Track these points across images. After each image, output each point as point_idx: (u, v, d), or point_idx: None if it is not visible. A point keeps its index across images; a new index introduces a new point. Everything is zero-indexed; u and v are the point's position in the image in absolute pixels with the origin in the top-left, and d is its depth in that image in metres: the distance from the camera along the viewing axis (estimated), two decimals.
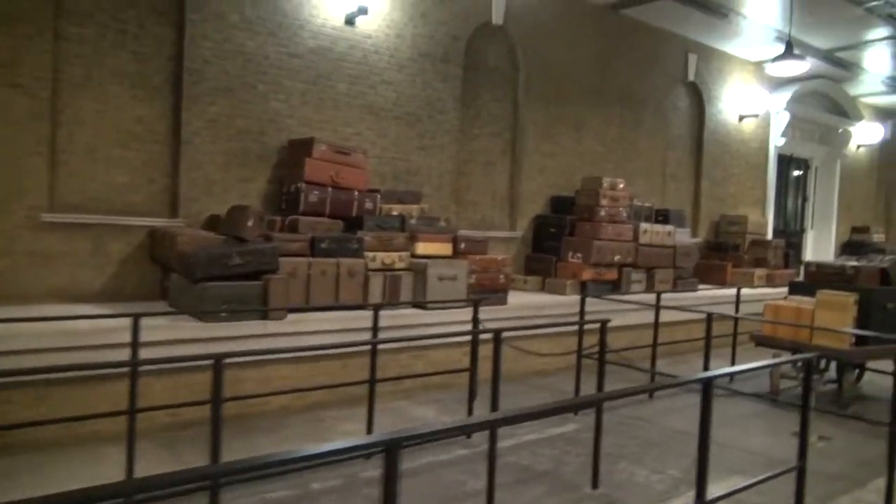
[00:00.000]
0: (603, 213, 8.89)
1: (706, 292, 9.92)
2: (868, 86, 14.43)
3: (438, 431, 2.03)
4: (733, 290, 10.03)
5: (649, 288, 9.33)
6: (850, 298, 6.39)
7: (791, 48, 8.47)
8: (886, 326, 6.50)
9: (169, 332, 5.03)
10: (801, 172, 14.98)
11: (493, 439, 3.62)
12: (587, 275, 8.57)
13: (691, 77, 11.40)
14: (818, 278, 7.14)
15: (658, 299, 6.93)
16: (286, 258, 5.79)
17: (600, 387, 4.40)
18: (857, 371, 7.70)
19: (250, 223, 5.65)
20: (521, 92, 9.03)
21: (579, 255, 8.65)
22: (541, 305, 7.64)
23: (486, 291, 7.03)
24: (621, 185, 9.19)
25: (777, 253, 11.80)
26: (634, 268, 9.14)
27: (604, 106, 10.09)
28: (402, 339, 4.64)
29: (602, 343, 4.25)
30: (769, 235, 13.36)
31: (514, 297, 8.04)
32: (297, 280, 5.83)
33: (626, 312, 8.67)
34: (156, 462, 4.37)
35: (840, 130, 14.87)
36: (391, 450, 1.73)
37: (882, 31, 10.88)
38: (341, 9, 7.15)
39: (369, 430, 4.71)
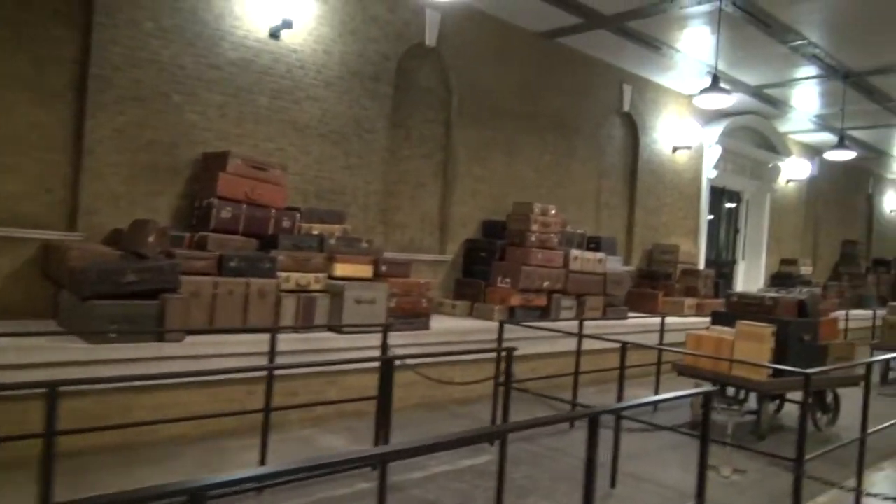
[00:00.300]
0: (533, 238, 8.81)
1: (636, 320, 9.95)
2: (797, 123, 14.93)
3: (280, 472, 1.80)
4: (662, 319, 10.12)
5: (579, 315, 9.27)
6: (767, 330, 6.40)
7: (717, 81, 8.62)
8: (803, 358, 6.55)
9: (51, 353, 4.65)
10: (733, 205, 15.33)
11: (382, 476, 3.39)
12: (516, 300, 8.45)
13: (626, 107, 11.54)
14: (739, 309, 7.18)
15: (580, 326, 6.83)
16: (190, 277, 5.47)
17: (505, 417, 4.22)
18: (777, 402, 7.76)
19: (151, 238, 5.32)
20: (454, 114, 8.94)
21: (508, 280, 8.53)
22: (465, 331, 7.47)
23: (408, 316, 6.82)
24: (553, 211, 9.15)
25: (707, 282, 11.95)
26: (564, 294, 9.07)
27: (537, 132, 10.09)
28: (297, 365, 4.37)
29: (508, 373, 4.08)
30: (701, 265, 13.57)
31: (442, 322, 7.86)
32: (202, 300, 5.51)
33: (555, 339, 8.59)
34: None
35: (770, 165, 15.32)
36: (196, 497, 1.50)
37: (807, 71, 11.24)
38: (265, 21, 6.93)
39: (263, 461, 4.42)
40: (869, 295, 17.67)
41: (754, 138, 14.86)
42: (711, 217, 14.58)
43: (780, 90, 12.53)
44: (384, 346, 5.04)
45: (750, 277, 15.59)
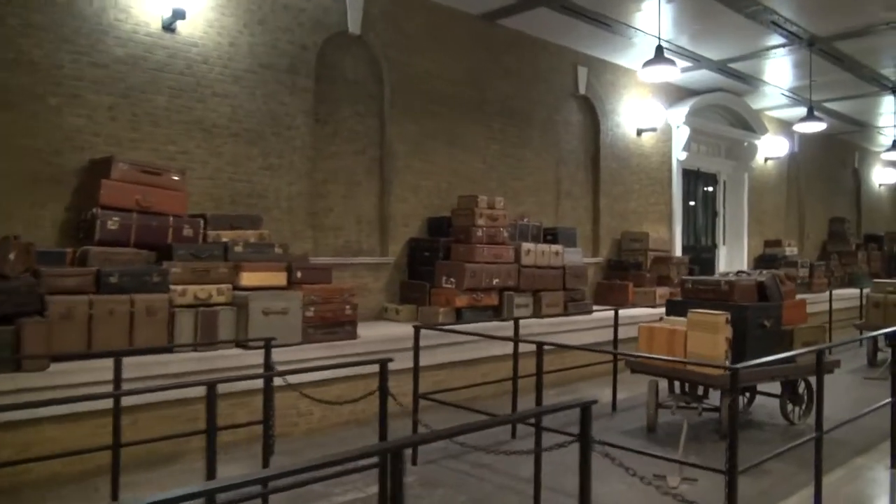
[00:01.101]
0: (480, 233, 8.22)
1: (604, 314, 9.33)
2: (771, 99, 14.33)
3: None
4: (634, 311, 9.52)
5: (536, 312, 8.68)
6: (720, 318, 5.80)
7: (661, 52, 8.02)
8: (762, 346, 5.95)
9: None
10: (710, 187, 14.72)
11: None
12: (461, 301, 7.85)
13: (582, 90, 10.95)
14: (695, 296, 6.57)
15: (516, 325, 6.22)
16: (60, 297, 4.88)
17: (383, 435, 3.63)
18: (747, 395, 7.15)
19: (11, 257, 4.74)
20: (388, 106, 8.35)
21: (453, 280, 7.93)
22: (399, 338, 6.85)
23: (330, 325, 6.23)
24: (500, 204, 8.56)
25: (681, 270, 11.34)
26: (518, 291, 8.47)
27: (484, 121, 9.50)
28: (144, 390, 3.77)
29: (382, 387, 3.48)
30: (677, 252, 12.97)
31: (379, 329, 7.28)
32: (75, 322, 4.92)
33: (492, 343, 7.98)
34: None
35: (745, 144, 14.70)
36: None
37: (770, 40, 10.64)
38: (155, 13, 6.35)
39: (115, 497, 3.83)
40: (860, 273, 17.04)
41: (727, 117, 14.26)
42: (692, 203, 13.99)
43: (746, 64, 11.92)
44: (267, 364, 4.44)
45: (732, 261, 14.96)
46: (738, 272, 6.73)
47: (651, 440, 6.04)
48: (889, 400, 5.40)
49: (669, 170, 12.87)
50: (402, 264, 8.52)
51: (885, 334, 6.33)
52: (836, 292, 14.40)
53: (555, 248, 9.02)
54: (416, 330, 5.22)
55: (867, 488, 5.07)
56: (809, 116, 11.05)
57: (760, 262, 15.21)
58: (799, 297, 6.97)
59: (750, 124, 14.46)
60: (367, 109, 8.26)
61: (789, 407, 6.64)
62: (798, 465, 5.43)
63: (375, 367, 4.13)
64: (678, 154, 12.88)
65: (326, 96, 7.83)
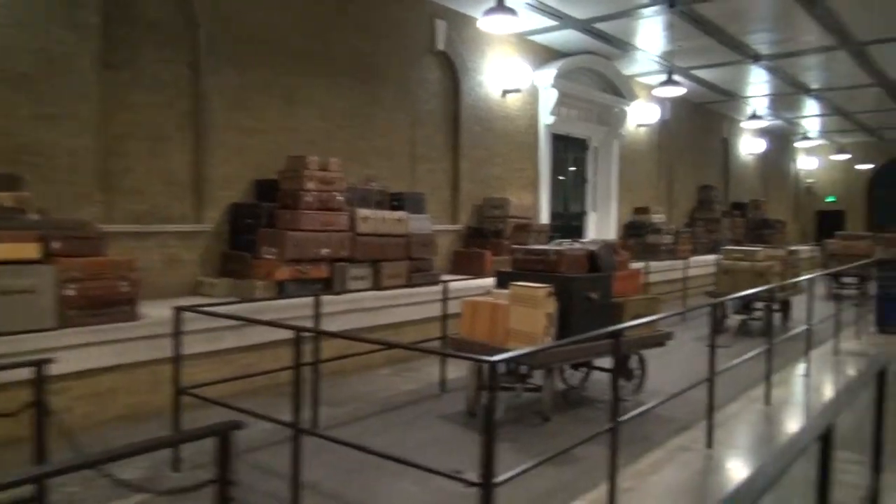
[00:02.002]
0: (309, 198, 7.43)
1: (457, 284, 8.81)
2: (642, 65, 14.18)
3: None
4: (490, 281, 9.05)
5: (376, 284, 8.04)
6: (540, 292, 5.33)
7: (502, 2, 7.43)
8: (591, 320, 5.54)
9: None
10: (579, 153, 14.50)
11: None
12: (283, 273, 7.08)
13: (440, 46, 10.25)
14: (524, 267, 6.09)
15: (317, 302, 5.50)
16: None
17: (40, 457, 2.85)
18: (585, 371, 6.82)
19: None
20: (204, 54, 7.34)
21: (274, 249, 7.13)
22: (198, 316, 6.00)
23: (99, 305, 5.30)
24: (335, 166, 7.78)
25: (542, 237, 11.00)
26: (353, 262, 7.78)
27: (327, 76, 8.64)
28: None
29: (38, 399, 2.69)
30: (544, 219, 12.67)
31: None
32: None
33: (347, 314, 7.33)
34: None
35: (616, 110, 14.54)
36: None
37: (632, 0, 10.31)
38: None
39: None
40: (724, 239, 17.51)
41: (597, 82, 14.00)
42: (562, 170, 13.70)
43: (613, 25, 11.60)
44: None
45: (602, 228, 14.90)
46: (573, 241, 6.30)
47: (469, 426, 5.55)
48: (706, 378, 5.12)
49: (536, 134, 12.47)
50: (223, 233, 7.63)
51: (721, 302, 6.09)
52: (698, 259, 14.67)
53: (397, 214, 8.37)
54: (177, 312, 4.40)
55: (680, 472, 4.77)
56: (669, 81, 10.86)
57: (629, 229, 15.27)
58: (634, 265, 6.65)
59: (620, 90, 14.29)
60: (177, 56, 7.22)
61: (622, 382, 6.33)
62: (625, 445, 5.08)
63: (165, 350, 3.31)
64: (546, 118, 12.49)
65: (120, 38, 6.72)
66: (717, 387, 6.72)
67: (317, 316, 5.38)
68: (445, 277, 9.57)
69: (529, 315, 5.33)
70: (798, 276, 10.48)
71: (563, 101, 13.20)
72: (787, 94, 17.47)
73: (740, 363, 5.93)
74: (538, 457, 3.56)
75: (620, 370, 6.26)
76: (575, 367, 6.68)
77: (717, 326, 10.27)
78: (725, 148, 20.63)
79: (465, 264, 10.42)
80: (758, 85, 16.62)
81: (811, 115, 20.44)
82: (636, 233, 15.12)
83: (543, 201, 12.70)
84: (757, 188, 22.89)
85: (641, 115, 15.45)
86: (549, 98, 12.40)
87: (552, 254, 5.80)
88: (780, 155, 24.89)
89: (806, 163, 27.34)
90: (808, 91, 16.94)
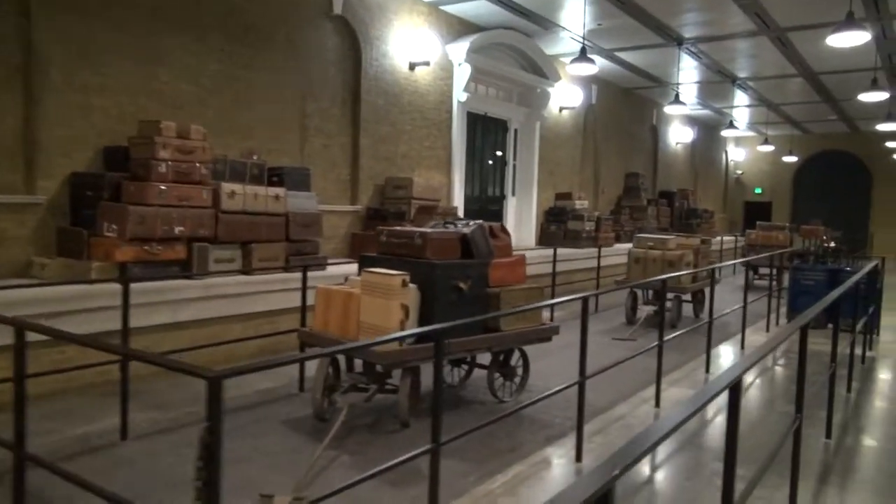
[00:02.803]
0: (163, 169, 6.52)
1: (340, 269, 8.04)
2: (566, 44, 13.56)
3: None
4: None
5: (247, 267, 7.19)
6: (395, 280, 4.60)
7: None
8: (460, 313, 4.85)
9: None
10: (499, 134, 13.85)
11: None
12: (125, 254, 6.16)
13: (338, 10, 9.37)
14: (389, 251, 5.36)
15: (125, 290, 4.62)
16: None
17: None
18: (466, 369, 6.15)
19: None
20: (35, 1, 6.30)
21: (115, 226, 6.20)
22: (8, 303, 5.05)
23: None
24: (197, 134, 6.88)
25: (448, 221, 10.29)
26: (216, 242, 6.91)
27: (196, 32, 7.67)
28: None
29: None
30: (457, 201, 11.99)
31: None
32: None
33: (207, 301, 6.50)
34: None
35: (538, 90, 13.93)
36: None
37: None
38: None
39: None
40: (649, 227, 17.21)
41: (518, 60, 13.34)
42: (473, 150, 13.02)
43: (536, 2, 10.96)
44: None
45: (522, 213, 14.34)
46: (446, 223, 5.60)
47: (314, 433, 4.80)
48: (577, 380, 4.50)
49: (449, 111, 11.74)
50: (63, 205, 6.63)
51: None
52: (620, 247, 14.26)
53: (274, 191, 7.52)
54: None
55: (537, 493, 4.13)
56: (583, 57, 10.25)
57: (550, 215, 14.75)
58: (518, 253, 6.00)
59: (542, 70, 13.67)
60: (3, 1, 6.17)
61: (501, 382, 5.70)
62: (487, 457, 4.44)
63: None
64: (459, 95, 11.75)
65: None
66: (607, 386, 6.19)
67: (125, 306, 4.50)
68: (336, 261, 8.81)
69: (382, 307, 4.60)
70: (712, 265, 10.10)
71: (480, 78, 12.51)
72: (714, 83, 17.22)
73: (635, 357, 5.35)
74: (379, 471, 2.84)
75: (501, 368, 5.63)
76: (455, 363, 6.01)
77: (629, 318, 9.87)
78: (655, 136, 20.36)
79: (362, 248, 9.62)
80: (686, 71, 16.25)
81: (739, 105, 20.34)
82: (557, 219, 14.61)
83: (457, 183, 12.00)
84: (686, 177, 22.79)
85: (566, 98, 14.90)
86: (462, 74, 11.67)
87: (417, 237, 5.07)
88: (711, 145, 24.90)
89: (735, 154, 27.51)
90: (734, 80, 16.72)
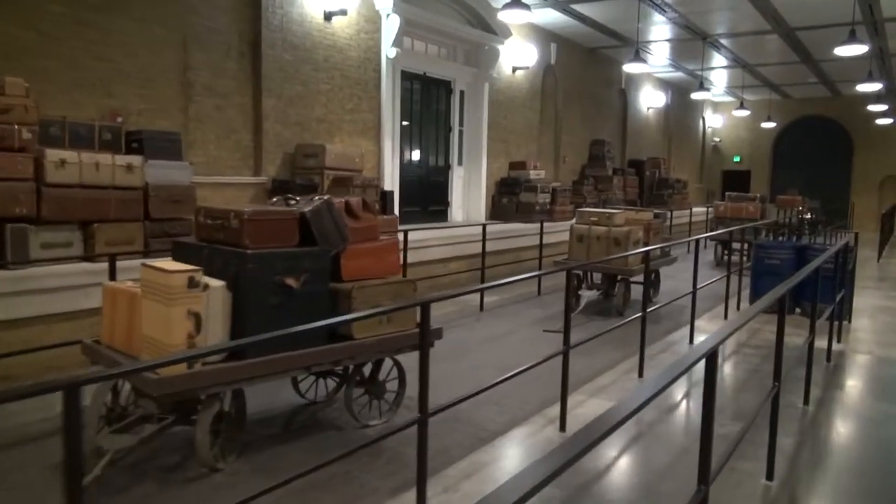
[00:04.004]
0: None
1: None
2: None
3: None
4: None
5: (89, 252, 5.91)
6: (174, 278, 3.35)
7: None
8: (286, 318, 3.62)
9: None
10: (442, 97, 12.50)
11: None
12: None
13: None
14: (205, 236, 4.09)
15: None
16: None
17: None
18: (337, 382, 4.94)
19: None
20: None
21: None
22: None
23: None
24: (15, 88, 5.54)
25: (367, 194, 9.02)
26: (41, 223, 5.62)
27: None
28: None
29: None
30: (388, 172, 10.70)
31: None
32: None
33: (22, 297, 5.24)
34: None
35: (486, 48, 12.56)
36: None
37: None
38: None
39: None
40: (614, 199, 16.02)
41: (462, 13, 11.95)
42: (411, 114, 11.69)
43: None
44: None
45: (470, 185, 13.07)
46: (288, 199, 4.32)
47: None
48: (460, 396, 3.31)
49: (377, 70, 10.37)
50: None
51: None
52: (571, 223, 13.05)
53: (125, 159, 6.21)
54: None
55: None
56: (514, 3, 8.89)
57: (501, 186, 13.49)
58: (386, 237, 4.75)
59: (490, 25, 12.29)
60: None
61: (362, 400, 4.50)
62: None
63: None
64: (388, 50, 10.38)
65: None
66: (512, 398, 5.03)
67: None
68: None
69: (162, 315, 3.36)
70: (666, 243, 8.92)
71: (414, 32, 11.14)
72: (684, 41, 15.87)
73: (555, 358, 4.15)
74: None
75: (365, 384, 4.44)
76: (322, 374, 4.80)
77: (571, 303, 8.69)
78: (624, 100, 19.04)
79: None
80: (653, 28, 14.93)
81: (714, 66, 19.01)
82: (509, 190, 13.36)
83: (387, 151, 10.68)
84: (659, 145, 21.54)
85: (519, 57, 13.54)
86: (391, 26, 10.28)
87: (233, 217, 3.81)
88: (687, 111, 23.62)
89: (713, 120, 26.27)
90: (705, 38, 15.37)
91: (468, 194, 13.06)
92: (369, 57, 10.21)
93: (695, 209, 19.38)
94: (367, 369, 4.47)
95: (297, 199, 4.26)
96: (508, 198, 13.27)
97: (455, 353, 6.47)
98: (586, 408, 4.96)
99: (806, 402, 5.04)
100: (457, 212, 12.86)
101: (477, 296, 8.59)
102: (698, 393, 5.40)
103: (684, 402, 5.35)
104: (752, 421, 3.44)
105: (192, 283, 3.35)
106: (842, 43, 10.74)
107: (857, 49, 10.67)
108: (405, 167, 11.52)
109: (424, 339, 3.11)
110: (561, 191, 13.84)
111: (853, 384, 5.87)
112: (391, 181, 10.85)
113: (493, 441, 4.29)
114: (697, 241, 7.55)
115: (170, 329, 3.30)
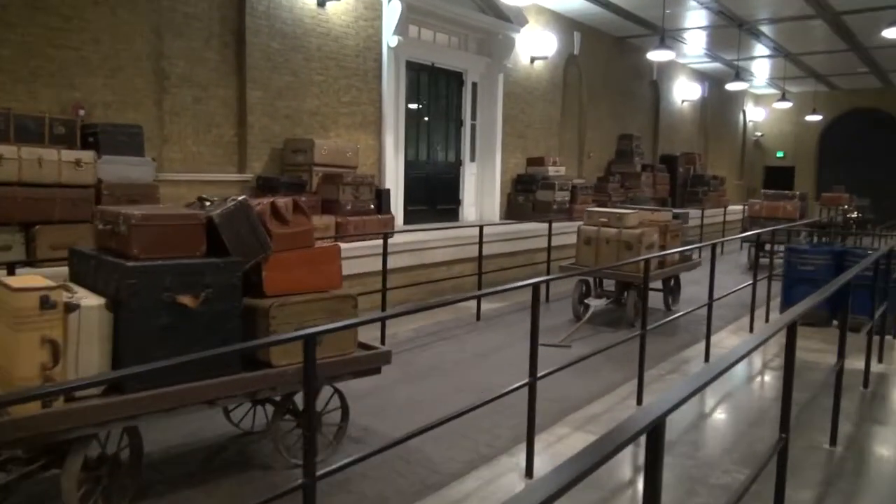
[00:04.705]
0: None
1: None
2: None
3: None
4: None
5: (31, 256, 5.42)
6: (21, 299, 2.75)
7: None
8: (184, 342, 3.00)
9: None
10: (452, 89, 11.80)
11: None
12: None
13: None
14: (101, 242, 3.49)
15: None
16: None
17: None
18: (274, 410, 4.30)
19: None
20: None
21: None
22: None
23: None
24: None
25: (361, 192, 8.41)
26: None
27: None
28: None
29: None
30: (389, 168, 10.06)
31: None
32: None
33: None
34: None
35: (500, 37, 11.81)
36: None
37: None
38: None
39: None
40: (642, 198, 15.07)
41: (475, 1, 11.24)
42: (418, 107, 11.05)
43: None
44: None
45: (483, 182, 12.35)
46: (202, 199, 3.69)
47: None
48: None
49: (378, 59, 9.73)
50: None
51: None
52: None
53: (73, 155, 5.70)
54: None
55: None
56: None
57: (518, 183, 12.73)
58: (326, 244, 4.08)
59: (504, 11, 11.54)
60: None
61: (290, 440, 3.85)
62: None
63: None
64: (389, 39, 9.73)
65: None
66: (479, 430, 4.33)
67: None
68: None
69: (8, 342, 2.76)
70: (684, 247, 8.08)
71: (420, 20, 10.47)
72: (719, 27, 14.82)
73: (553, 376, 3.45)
74: None
75: (295, 417, 3.80)
76: (259, 402, 4.17)
77: (576, 313, 7.92)
78: (655, 92, 18.05)
79: None
80: (685, 15, 13.97)
81: (754, 55, 17.87)
82: (526, 188, 12.59)
83: (389, 146, 10.03)
84: (695, 140, 20.43)
85: (537, 47, 12.74)
86: (393, 12, 9.63)
87: (122, 222, 3.19)
88: (725, 104, 22.40)
89: (754, 114, 24.94)
90: (740, 25, 14.30)
91: (481, 192, 12.34)
92: (369, 46, 9.57)
93: (732, 208, 18.24)
94: (300, 398, 3.82)
95: (213, 200, 3.62)
96: (525, 196, 12.51)
97: (435, 371, 5.80)
98: (568, 444, 4.23)
99: (833, 442, 4.20)
100: (469, 211, 12.14)
101: (474, 303, 7.89)
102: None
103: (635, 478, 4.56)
104: (754, 478, 2.68)
105: (46, 304, 2.75)
106: (890, 24, 9.67)
107: None
108: (411, 164, 10.86)
109: (309, 379, 2.43)
110: (582, 188, 13.01)
111: (894, 419, 4.98)
112: (394, 178, 10.22)
113: (441, 489, 3.59)
114: (714, 245, 6.68)
115: (17, 359, 2.70)
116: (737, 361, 2.48)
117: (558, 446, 4.17)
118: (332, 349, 3.63)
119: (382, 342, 6.48)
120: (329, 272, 3.81)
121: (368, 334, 6.60)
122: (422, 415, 4.23)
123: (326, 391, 3.90)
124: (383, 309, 6.64)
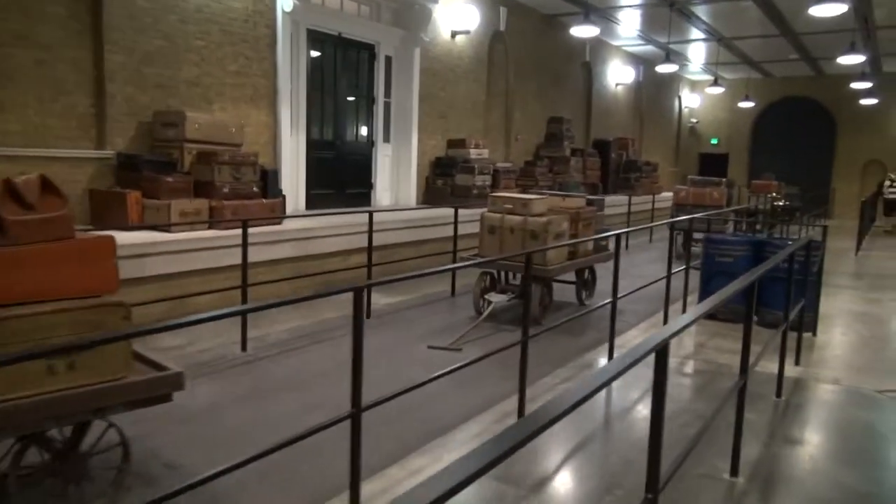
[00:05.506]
0: None
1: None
2: None
3: None
4: (134, 237, 5.82)
5: None
6: None
7: None
8: None
9: None
10: (363, 62, 10.88)
11: None
12: None
13: None
14: None
15: None
16: None
17: None
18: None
19: None
20: None
21: None
22: None
23: None
24: None
25: (242, 173, 7.46)
26: None
27: None
28: None
29: None
30: (286, 147, 9.11)
31: None
32: None
33: None
34: None
35: (416, 7, 10.94)
36: None
37: None
38: None
39: None
40: (571, 183, 14.45)
41: None
42: (323, 81, 10.08)
43: None
44: None
45: (399, 165, 11.50)
46: None
47: None
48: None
49: (271, 25, 8.74)
50: None
51: None
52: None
53: None
54: None
55: None
56: None
57: (437, 166, 11.92)
58: (94, 235, 3.18)
59: None
60: None
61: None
62: None
63: None
64: (284, 2, 8.74)
65: None
66: (295, 471, 3.51)
67: None
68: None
69: None
70: (599, 234, 7.42)
71: None
72: (653, 6, 14.27)
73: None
74: None
75: (58, 463, 2.89)
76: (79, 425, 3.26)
77: (477, 308, 7.18)
78: (588, 75, 17.47)
79: (107, 212, 6.83)
80: None
81: (688, 39, 17.45)
82: (445, 171, 11.80)
83: (285, 123, 9.07)
84: (630, 125, 20.02)
85: (459, 20, 11.92)
86: None
87: None
88: (661, 89, 22.06)
89: (690, 100, 24.75)
90: (672, 4, 13.75)
91: (397, 175, 11.50)
92: (260, 10, 8.57)
93: (664, 195, 17.89)
94: (62, 436, 2.94)
95: None
96: (444, 180, 11.73)
97: (292, 384, 4.96)
98: (407, 486, 3.45)
99: (734, 472, 3.54)
100: (383, 195, 11.28)
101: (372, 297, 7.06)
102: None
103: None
104: None
105: None
106: (816, 1, 9.19)
107: (835, 8, 9.12)
108: (316, 143, 9.93)
109: None
110: (506, 172, 12.31)
111: (810, 437, 4.35)
112: (293, 159, 9.29)
113: None
114: (618, 235, 6.00)
115: None
116: (591, 395, 1.74)
117: (396, 490, 3.37)
118: (93, 374, 2.75)
119: (244, 347, 5.61)
120: (97, 272, 2.92)
121: (230, 336, 5.72)
122: (251, 446, 3.40)
123: (99, 425, 3.02)
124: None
